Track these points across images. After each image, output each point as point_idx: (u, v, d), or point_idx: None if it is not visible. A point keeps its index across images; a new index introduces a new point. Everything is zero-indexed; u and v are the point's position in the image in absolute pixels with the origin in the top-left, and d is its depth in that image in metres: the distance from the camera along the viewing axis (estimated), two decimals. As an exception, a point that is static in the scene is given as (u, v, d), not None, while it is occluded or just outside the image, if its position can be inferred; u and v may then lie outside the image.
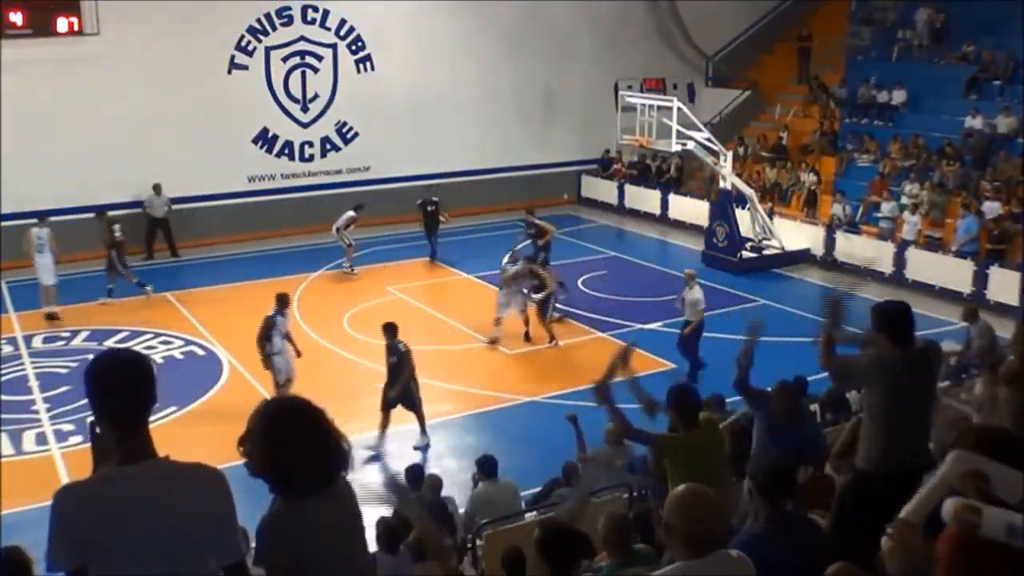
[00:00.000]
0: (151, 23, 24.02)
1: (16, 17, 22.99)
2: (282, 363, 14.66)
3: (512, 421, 14.96)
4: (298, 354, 15.01)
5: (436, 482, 10.61)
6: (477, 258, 23.62)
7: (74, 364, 17.18)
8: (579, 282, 21.65)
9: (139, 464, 3.47)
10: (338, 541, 3.84)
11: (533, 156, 29.37)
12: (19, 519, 11.87)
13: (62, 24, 23.44)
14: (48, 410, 15.57)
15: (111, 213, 22.13)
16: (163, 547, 3.41)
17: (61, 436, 14.62)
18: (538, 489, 11.08)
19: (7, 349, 18.29)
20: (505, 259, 19.25)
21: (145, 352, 16.65)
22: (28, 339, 18.79)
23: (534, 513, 9.90)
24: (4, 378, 16.87)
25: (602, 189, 29.72)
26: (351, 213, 22.70)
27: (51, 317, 19.71)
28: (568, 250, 24.69)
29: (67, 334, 18.93)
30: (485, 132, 28.62)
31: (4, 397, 16.04)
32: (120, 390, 3.48)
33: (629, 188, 28.97)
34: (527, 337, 18.15)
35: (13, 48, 22.81)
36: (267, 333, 14.56)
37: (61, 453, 14.12)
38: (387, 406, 13.97)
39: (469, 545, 9.37)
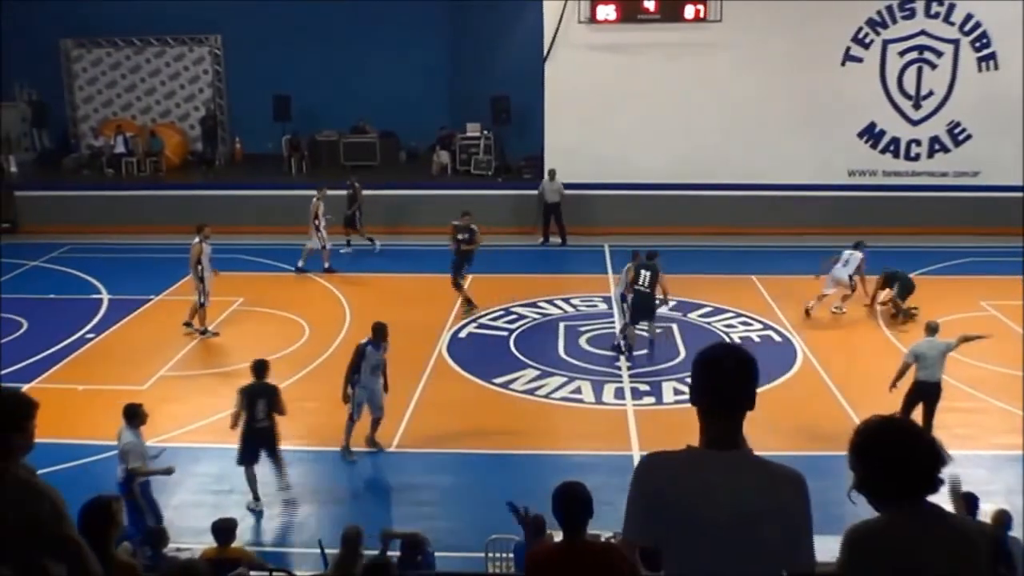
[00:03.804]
0: (770, 11, 24.63)
1: (649, 4, 24.89)
2: (362, 396, 13.51)
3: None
4: (385, 389, 13.80)
5: (1004, 517, 9.89)
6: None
7: (658, 329, 18.24)
8: None
9: (724, 452, 3.65)
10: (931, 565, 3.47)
11: None
12: (588, 462, 13.02)
13: (689, 11, 24.88)
14: (629, 368, 16.75)
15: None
16: (730, 535, 3.55)
17: (637, 394, 15.68)
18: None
19: (602, 307, 19.94)
20: None
21: (739, 338, 17.45)
22: (623, 299, 20.26)
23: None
24: (594, 333, 18.41)
25: None
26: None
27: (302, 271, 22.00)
28: None
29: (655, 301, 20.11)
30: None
31: (592, 349, 17.56)
32: (721, 380, 3.69)
33: None
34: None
35: (640, 31, 24.93)
36: (356, 363, 13.44)
37: (634, 410, 15.12)
38: None
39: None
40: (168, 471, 11.41)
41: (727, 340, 15.59)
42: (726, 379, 3.68)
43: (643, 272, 16.97)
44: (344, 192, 23.67)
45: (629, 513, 3.77)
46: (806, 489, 3.64)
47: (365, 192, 24.03)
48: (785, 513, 3.59)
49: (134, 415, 11.24)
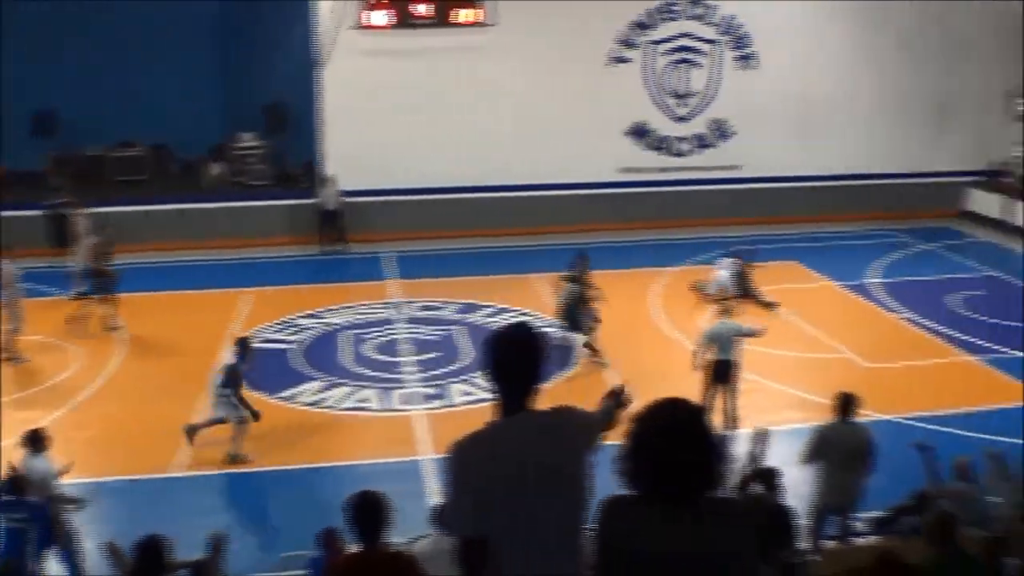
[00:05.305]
0: (541, 14, 25.05)
1: (422, 9, 24.87)
2: (231, 408, 13.79)
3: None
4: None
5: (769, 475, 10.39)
6: (842, 265, 22.87)
7: (444, 333, 18.46)
8: (952, 300, 20.48)
9: (519, 415, 3.91)
10: (674, 569, 3.44)
11: (915, 164, 27.88)
12: (379, 470, 12.94)
13: (462, 15, 24.99)
14: (416, 373, 16.73)
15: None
16: (545, 482, 3.80)
17: (425, 399, 15.70)
18: (882, 513, 10.69)
19: (384, 313, 19.85)
20: None
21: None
22: (404, 305, 20.26)
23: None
24: (380, 340, 18.32)
25: (987, 203, 27.73)
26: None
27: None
28: (944, 265, 23.48)
29: (439, 304, 20.22)
30: (865, 136, 27.48)
31: (378, 357, 17.45)
32: (509, 355, 3.95)
33: (1018, 204, 26.76)
34: None
35: (415, 37, 24.96)
36: (237, 383, 13.83)
37: (422, 414, 15.14)
38: None
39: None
40: (80, 502, 10.70)
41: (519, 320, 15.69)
42: (513, 354, 3.94)
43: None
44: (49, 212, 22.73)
45: (454, 508, 3.89)
46: (574, 409, 4.11)
47: (134, 208, 23.15)
48: (573, 436, 3.97)
49: (37, 441, 10.52)
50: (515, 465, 3.78)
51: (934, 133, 27.85)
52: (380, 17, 24.83)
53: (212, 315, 19.58)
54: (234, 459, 13.60)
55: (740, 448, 11.24)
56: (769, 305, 20.14)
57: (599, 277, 18.38)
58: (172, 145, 27.49)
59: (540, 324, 18.35)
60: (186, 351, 17.81)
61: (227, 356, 14.23)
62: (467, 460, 3.86)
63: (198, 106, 27.00)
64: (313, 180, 25.63)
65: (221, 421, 13.78)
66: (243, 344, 14.19)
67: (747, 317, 18.75)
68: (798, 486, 11.13)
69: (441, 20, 24.99)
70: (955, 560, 6.30)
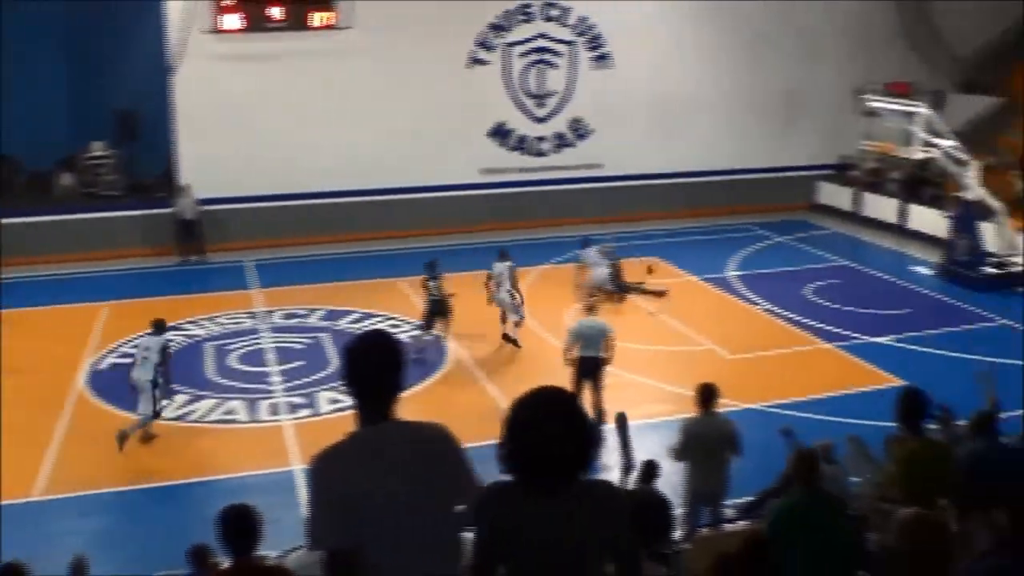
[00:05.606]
0: (398, 16, 24.89)
1: (276, 12, 24.38)
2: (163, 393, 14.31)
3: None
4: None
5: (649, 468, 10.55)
6: (703, 260, 23.39)
7: (309, 340, 18.16)
8: (807, 290, 21.14)
9: (382, 424, 3.85)
10: (553, 554, 3.60)
11: (769, 159, 28.72)
12: (249, 483, 12.66)
13: (317, 18, 24.60)
14: (282, 383, 16.43)
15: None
16: (414, 492, 3.75)
17: (292, 408, 15.43)
18: (750, 498, 10.91)
19: (248, 323, 19.45)
20: None
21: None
22: (268, 314, 19.89)
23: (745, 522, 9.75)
24: (244, 350, 17.94)
25: (838, 196, 28.76)
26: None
27: None
28: (799, 257, 24.18)
29: (304, 312, 19.91)
30: (721, 133, 28.21)
31: (243, 368, 17.09)
32: (366, 365, 3.90)
33: (866, 196, 27.89)
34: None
35: (270, 41, 24.54)
36: (167, 358, 14.24)
37: (290, 424, 14.88)
38: None
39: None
40: None
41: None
42: (370, 363, 3.90)
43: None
44: None
45: (318, 520, 3.77)
46: (450, 432, 3.99)
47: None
48: (445, 458, 3.89)
49: None
50: (381, 475, 3.72)
51: (786, 129, 28.75)
52: (233, 20, 24.25)
53: (68, 331, 18.87)
54: (122, 437, 13.65)
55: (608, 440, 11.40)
56: (657, 294, 20.53)
57: (464, 279, 18.43)
58: (19, 155, 26.35)
59: (406, 328, 18.30)
60: (42, 369, 17.09)
61: (152, 340, 14.14)
62: (329, 472, 3.79)
63: (45, 114, 25.90)
64: (169, 189, 24.94)
65: (154, 416, 13.98)
66: (162, 324, 14.59)
67: (629, 310, 19.12)
68: (670, 477, 11.34)
69: (296, 23, 24.56)
70: (819, 499, 6.59)
